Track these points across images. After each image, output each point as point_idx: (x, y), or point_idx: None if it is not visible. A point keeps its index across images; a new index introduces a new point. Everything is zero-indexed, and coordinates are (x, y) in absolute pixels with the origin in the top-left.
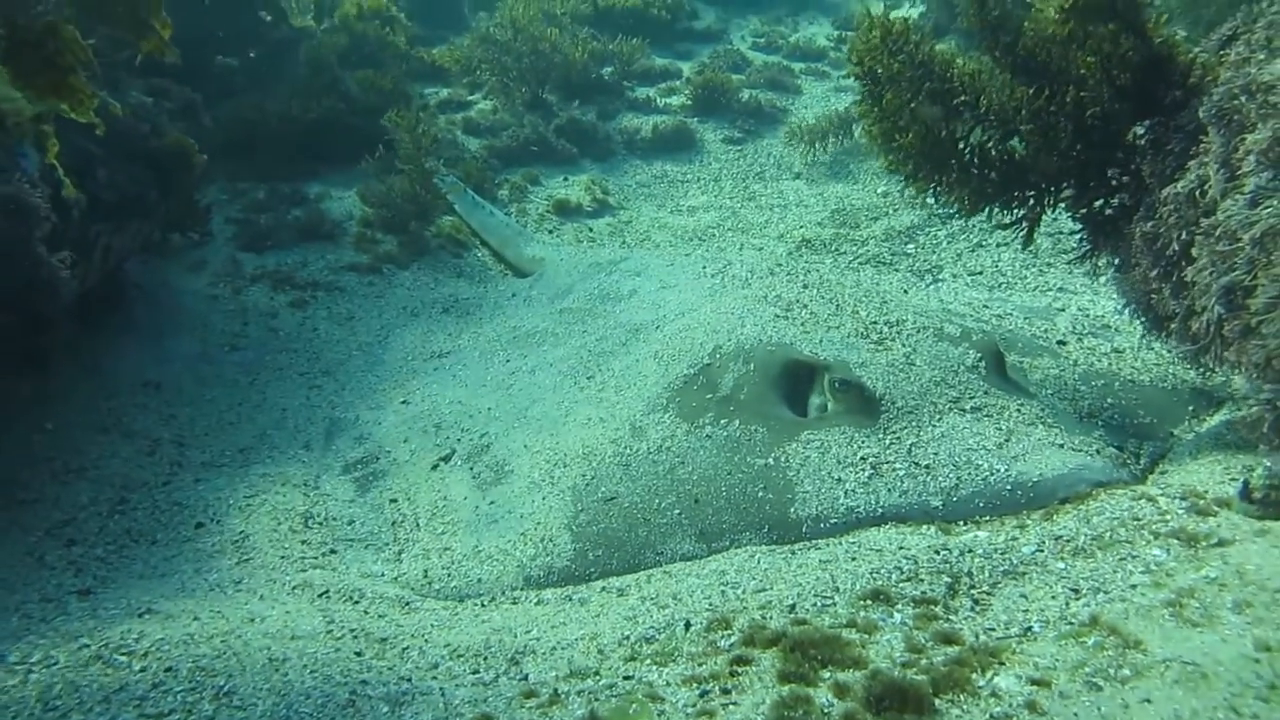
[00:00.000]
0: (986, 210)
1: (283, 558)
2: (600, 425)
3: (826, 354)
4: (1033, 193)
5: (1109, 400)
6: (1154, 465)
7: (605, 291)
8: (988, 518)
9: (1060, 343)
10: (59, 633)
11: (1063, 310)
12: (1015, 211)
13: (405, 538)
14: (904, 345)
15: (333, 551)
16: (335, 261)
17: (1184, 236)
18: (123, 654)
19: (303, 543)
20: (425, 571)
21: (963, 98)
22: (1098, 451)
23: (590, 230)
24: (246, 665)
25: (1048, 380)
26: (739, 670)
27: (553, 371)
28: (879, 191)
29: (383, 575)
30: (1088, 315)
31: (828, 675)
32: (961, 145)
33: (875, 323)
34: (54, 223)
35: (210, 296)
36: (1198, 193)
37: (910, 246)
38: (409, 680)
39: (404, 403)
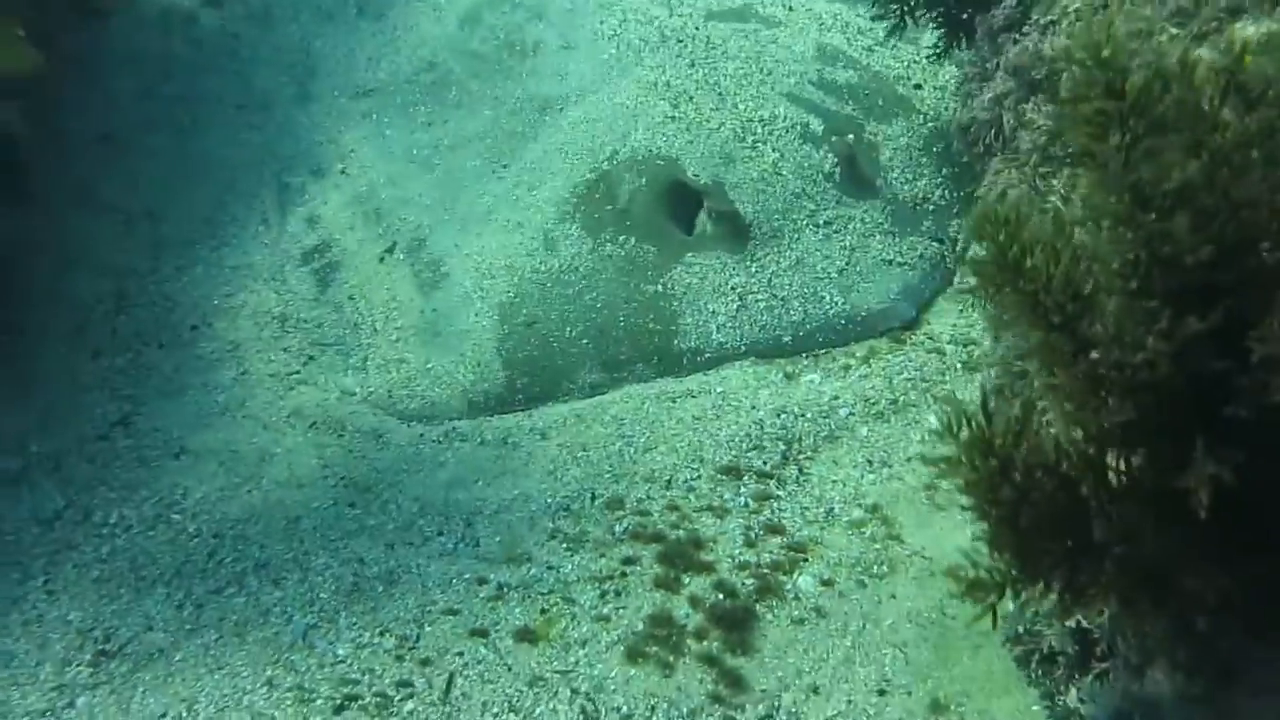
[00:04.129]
0: None
1: (272, 374)
2: (519, 232)
3: (707, 176)
4: None
5: (944, 171)
6: (967, 249)
7: (511, 38)
8: (825, 351)
9: (917, 87)
10: (120, 482)
11: None
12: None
13: (367, 343)
14: (774, 150)
15: (310, 359)
16: None
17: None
18: (177, 513)
19: (284, 350)
20: (389, 391)
21: None
22: (920, 257)
23: None
24: (271, 530)
25: (895, 157)
26: (627, 571)
27: (471, 152)
28: None
29: (355, 394)
30: None
31: (688, 581)
32: None
33: (751, 120)
34: None
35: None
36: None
37: None
38: (393, 549)
39: (343, 173)
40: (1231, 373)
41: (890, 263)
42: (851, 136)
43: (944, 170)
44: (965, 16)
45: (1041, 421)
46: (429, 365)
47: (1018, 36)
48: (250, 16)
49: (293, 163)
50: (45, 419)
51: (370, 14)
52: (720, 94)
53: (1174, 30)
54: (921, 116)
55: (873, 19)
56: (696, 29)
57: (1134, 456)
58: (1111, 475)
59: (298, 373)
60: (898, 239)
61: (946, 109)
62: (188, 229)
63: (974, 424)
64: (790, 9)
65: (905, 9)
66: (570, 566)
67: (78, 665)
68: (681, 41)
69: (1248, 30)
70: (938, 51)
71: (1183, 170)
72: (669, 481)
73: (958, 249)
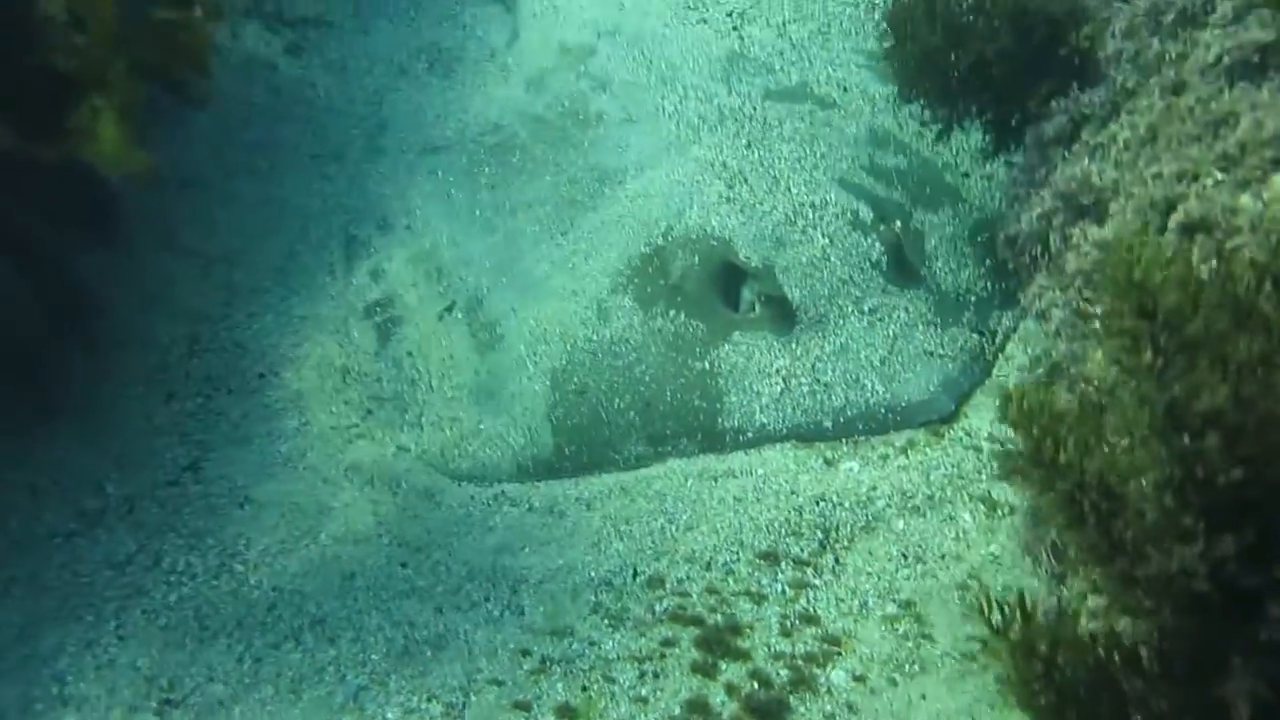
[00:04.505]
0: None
1: (333, 427)
2: (573, 300)
3: (759, 260)
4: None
5: (988, 263)
6: (1006, 341)
7: (574, 107)
8: (864, 438)
9: (965, 175)
10: (189, 529)
11: None
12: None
13: (422, 400)
14: (824, 236)
15: (369, 413)
16: None
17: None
18: (240, 563)
19: (345, 403)
20: (442, 450)
21: None
22: (961, 349)
23: None
24: (328, 586)
25: (940, 246)
26: (666, 653)
27: (531, 218)
28: None
29: (410, 450)
30: None
31: (724, 667)
32: None
33: (803, 205)
34: None
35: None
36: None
37: None
38: (441, 613)
39: (408, 228)
40: (1264, 591)
41: (931, 354)
42: (899, 224)
43: (987, 262)
44: (1015, 123)
45: (1080, 612)
46: (481, 426)
47: (1066, 154)
48: (327, 66)
49: (360, 215)
50: (121, 461)
51: (440, 71)
52: (775, 177)
53: (1219, 175)
54: (967, 205)
55: (921, 124)
56: (754, 109)
57: (1170, 653)
58: (1148, 667)
59: (356, 426)
60: (939, 330)
61: (993, 198)
62: (260, 276)
63: (1009, 613)
64: (845, 90)
65: (953, 116)
66: (611, 644)
67: (144, 713)
68: (739, 121)
69: None
70: (985, 153)
71: (1213, 394)
72: (709, 563)
73: (998, 340)
